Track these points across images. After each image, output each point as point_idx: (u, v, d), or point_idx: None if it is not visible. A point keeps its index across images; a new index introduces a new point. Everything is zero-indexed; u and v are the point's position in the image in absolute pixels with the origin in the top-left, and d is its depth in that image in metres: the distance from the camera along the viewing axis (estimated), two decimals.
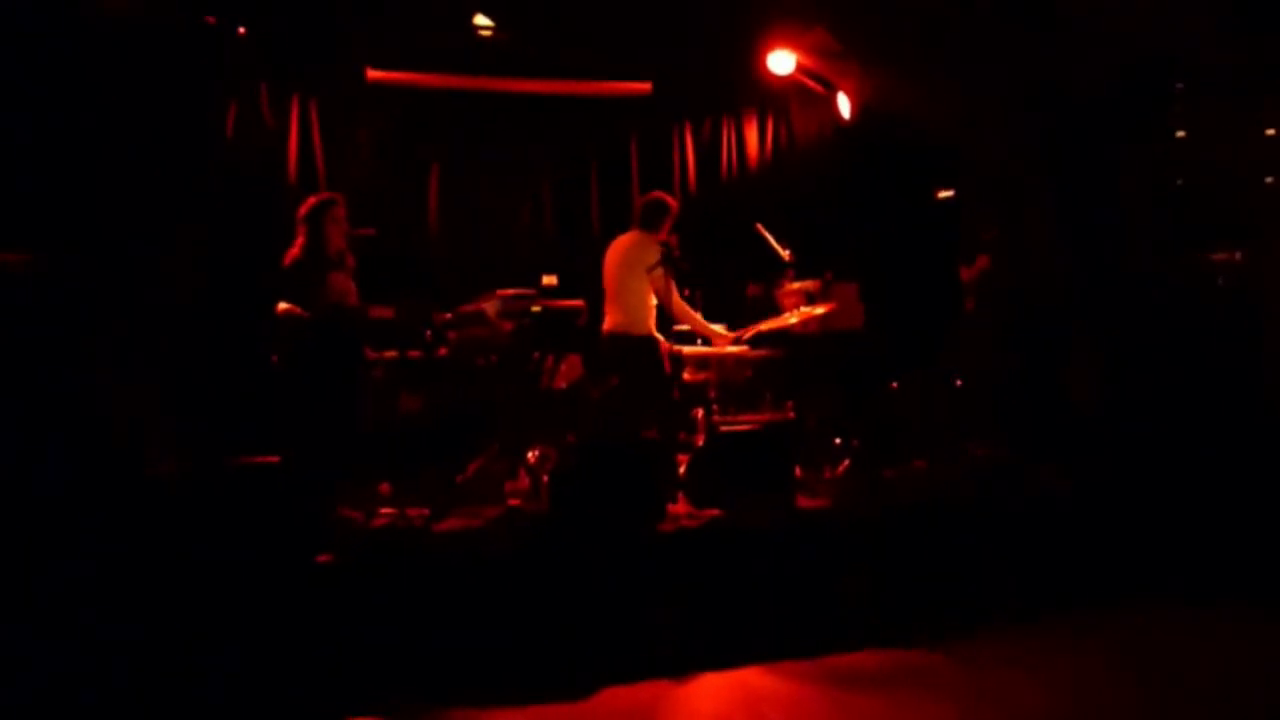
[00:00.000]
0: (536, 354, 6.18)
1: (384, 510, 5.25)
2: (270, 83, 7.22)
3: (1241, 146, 6.62)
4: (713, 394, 6.38)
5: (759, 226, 6.75)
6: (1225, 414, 6.04)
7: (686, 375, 6.32)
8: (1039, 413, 6.44)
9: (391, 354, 5.75)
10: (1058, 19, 6.29)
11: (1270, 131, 6.65)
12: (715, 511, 5.29)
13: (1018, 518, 5.39)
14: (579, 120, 8.21)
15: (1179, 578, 5.24)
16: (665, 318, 6.20)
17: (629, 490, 5.01)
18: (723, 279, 7.31)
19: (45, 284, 4.79)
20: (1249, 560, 5.26)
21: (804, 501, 5.61)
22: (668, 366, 6.08)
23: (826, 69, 8.12)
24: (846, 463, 6.37)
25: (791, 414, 6.56)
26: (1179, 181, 6.79)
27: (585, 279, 6.60)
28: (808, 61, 8.02)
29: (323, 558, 4.45)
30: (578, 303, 6.17)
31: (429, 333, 5.82)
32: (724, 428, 5.97)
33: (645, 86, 8.14)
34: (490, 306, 5.91)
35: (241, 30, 6.78)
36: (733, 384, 6.56)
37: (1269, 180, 6.64)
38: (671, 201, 6.26)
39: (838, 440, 6.56)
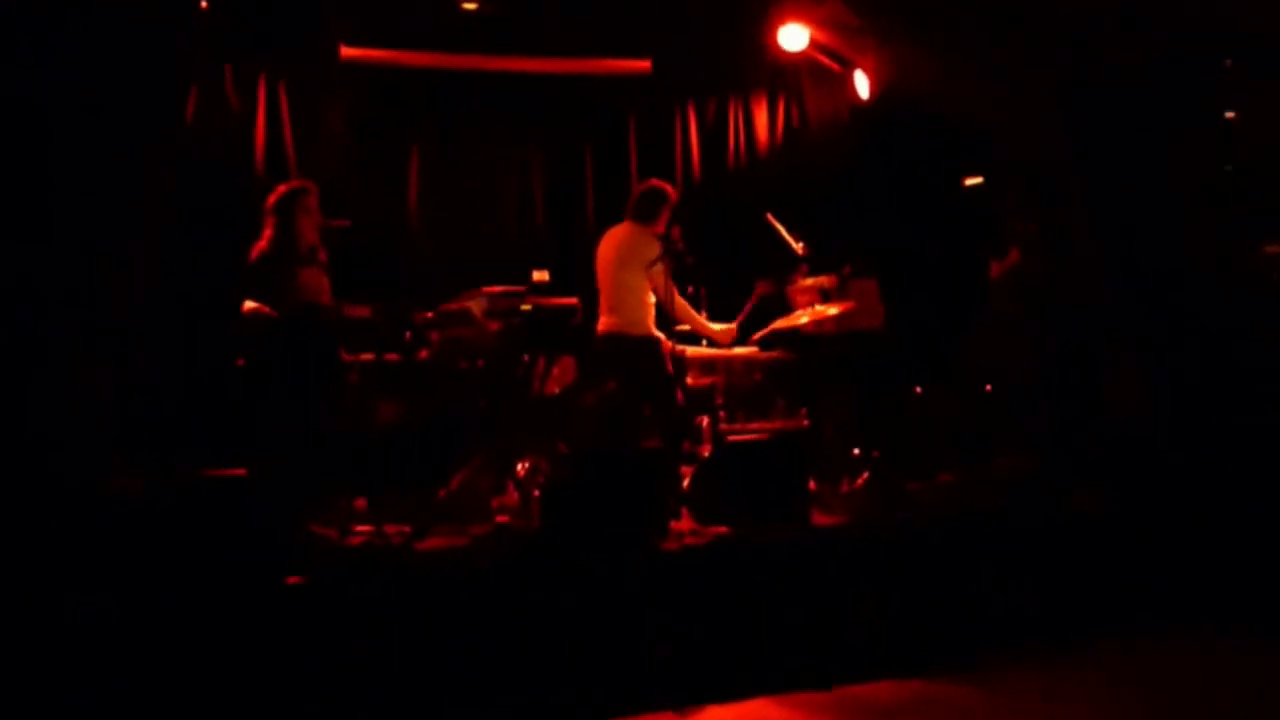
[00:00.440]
0: (526, 356, 6.20)
1: (360, 528, 5.26)
2: (235, 62, 7.25)
3: None
4: (719, 400, 6.40)
5: (769, 217, 6.78)
6: None
7: (690, 379, 6.33)
8: (1075, 424, 6.45)
9: (368, 357, 5.76)
10: None
11: None
12: (722, 529, 5.30)
13: (1050, 538, 5.40)
14: (571, 101, 8.24)
15: (1229, 607, 5.23)
16: (666, 316, 6.21)
17: (628, 505, 5.02)
18: (729, 275, 7.33)
19: None
20: None
21: (819, 518, 5.63)
22: (670, 369, 6.09)
23: (842, 45, 8.15)
24: (865, 475, 6.38)
25: (805, 422, 6.57)
26: (1228, 168, 6.80)
27: (579, 274, 6.61)
28: (822, 36, 8.04)
29: (293, 580, 4.46)
30: (571, 300, 6.18)
31: (409, 333, 5.83)
32: (731, 437, 5.99)
33: (644, 64, 8.17)
34: (475, 305, 5.92)
35: (204, 3, 6.80)
36: (741, 389, 6.57)
37: None
38: (669, 190, 6.28)
39: (856, 451, 6.57)
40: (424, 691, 4.37)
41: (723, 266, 7.28)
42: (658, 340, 6.09)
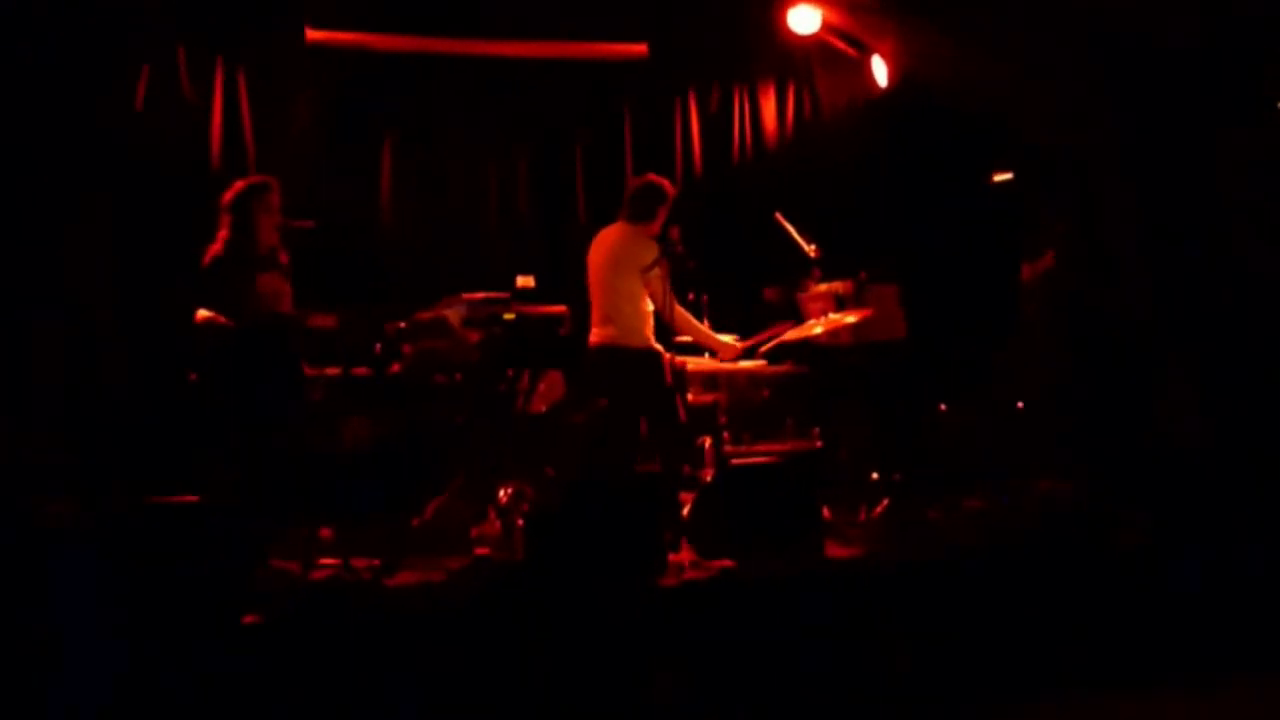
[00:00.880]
0: (509, 370, 6.18)
1: (324, 561, 5.24)
2: (189, 44, 7.23)
3: None
4: (723, 419, 6.39)
5: (778, 216, 6.77)
6: None
7: (691, 396, 6.32)
8: (1118, 445, 6.44)
9: (334, 371, 5.75)
10: None
11: None
12: (726, 562, 5.28)
13: (1093, 573, 5.37)
14: (560, 89, 8.22)
15: None
16: (664, 326, 6.19)
17: (622, 536, 4.99)
18: (734, 281, 7.32)
19: None
20: None
21: (834, 550, 5.61)
22: (669, 384, 6.06)
23: (859, 27, 8.16)
24: (885, 502, 6.37)
25: (818, 443, 6.57)
26: None
27: (568, 280, 6.60)
28: (836, 18, 8.05)
29: (249, 619, 4.43)
30: (559, 308, 6.17)
31: (379, 345, 5.82)
32: (736, 460, 5.98)
33: (640, 48, 8.17)
34: (453, 313, 5.92)
35: None
36: (747, 407, 6.57)
37: None
38: (667, 186, 6.26)
39: (874, 475, 6.56)
40: None
41: (727, 271, 7.28)
42: (656, 352, 6.06)
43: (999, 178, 7.96)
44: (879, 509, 6.36)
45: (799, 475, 5.64)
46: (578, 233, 7.67)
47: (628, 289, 6.02)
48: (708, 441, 6.41)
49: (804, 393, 6.73)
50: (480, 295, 6.02)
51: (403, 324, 5.91)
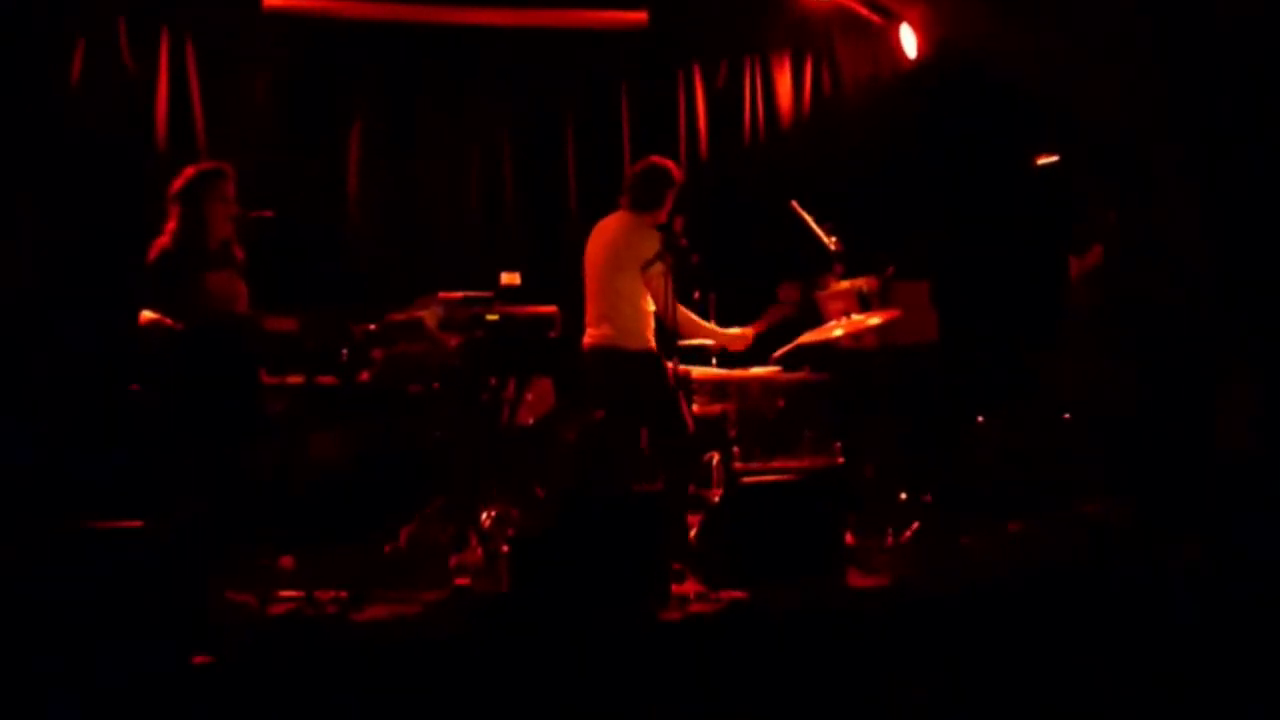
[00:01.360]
0: (493, 379, 6.18)
1: (285, 593, 5.22)
2: (131, 11, 7.24)
3: None
4: (733, 432, 6.39)
5: (794, 205, 6.77)
6: None
7: (697, 406, 6.32)
8: (1178, 461, 6.44)
9: (296, 380, 5.75)
10: None
11: None
12: (737, 593, 5.27)
13: (1150, 605, 5.37)
14: (550, 63, 8.24)
15: None
16: (666, 328, 6.18)
17: (619, 564, 5.00)
18: (745, 277, 7.32)
19: None
20: None
21: (857, 579, 5.60)
22: (673, 392, 6.05)
23: None
24: (915, 526, 6.37)
25: (839, 459, 6.56)
26: None
27: (559, 276, 6.61)
28: None
29: (200, 659, 4.43)
30: (548, 308, 6.17)
31: (346, 350, 5.82)
32: (748, 478, 5.96)
33: (639, 16, 8.18)
34: (429, 314, 5.92)
35: None
36: (760, 418, 6.56)
37: None
38: (674, 170, 6.26)
39: (903, 495, 6.56)
40: None
41: (736, 267, 7.28)
42: (658, 356, 6.06)
43: (1043, 161, 7.96)
44: (908, 533, 6.36)
45: (818, 495, 5.63)
46: (569, 224, 7.72)
47: (626, 286, 6.02)
48: (715, 457, 6.42)
49: (823, 403, 6.73)
50: (460, 294, 6.02)
51: (373, 327, 5.91)
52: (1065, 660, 5.15)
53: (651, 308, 6.05)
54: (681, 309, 6.14)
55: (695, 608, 5.11)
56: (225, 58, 7.55)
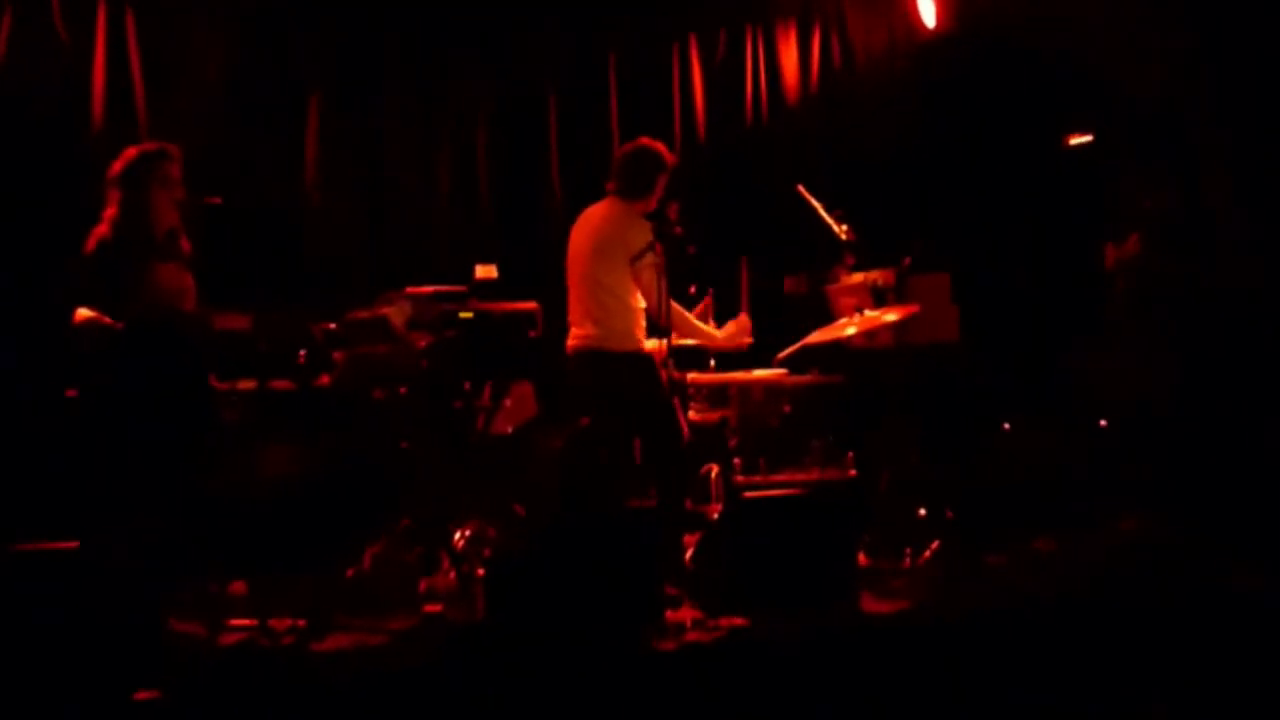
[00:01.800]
0: (466, 383, 6.19)
1: (236, 622, 5.23)
2: None
3: None
4: (733, 441, 6.39)
5: (801, 190, 6.78)
6: None
7: (694, 414, 6.32)
8: (1227, 471, 6.45)
9: (248, 384, 5.74)
10: None
11: None
12: (737, 620, 5.28)
13: (1198, 632, 5.38)
14: (529, 34, 8.25)
15: None
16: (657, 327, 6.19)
17: (607, 589, 5.00)
18: (746, 270, 7.33)
19: None
20: None
21: (871, 603, 5.62)
22: (667, 397, 6.05)
23: None
24: (935, 544, 6.38)
25: (852, 471, 6.57)
26: None
27: (540, 270, 6.61)
28: None
29: (143, 694, 4.43)
30: (528, 305, 6.18)
31: (304, 352, 5.82)
32: (750, 493, 5.97)
33: None
34: (395, 312, 5.92)
35: None
36: (763, 426, 6.57)
37: None
38: (665, 153, 6.26)
39: (922, 510, 6.57)
40: None
41: (736, 258, 7.27)
42: (649, 358, 6.06)
43: (1075, 140, 7.97)
44: (927, 554, 6.37)
45: (827, 511, 5.65)
46: (551, 212, 7.71)
47: (614, 281, 6.02)
48: (714, 470, 6.42)
49: (833, 408, 6.74)
50: (429, 289, 6.04)
51: (333, 326, 5.92)
52: (1101, 695, 5.17)
53: (642, 305, 6.06)
54: (675, 306, 6.14)
55: (692, 636, 5.11)
56: (169, 26, 7.54)
